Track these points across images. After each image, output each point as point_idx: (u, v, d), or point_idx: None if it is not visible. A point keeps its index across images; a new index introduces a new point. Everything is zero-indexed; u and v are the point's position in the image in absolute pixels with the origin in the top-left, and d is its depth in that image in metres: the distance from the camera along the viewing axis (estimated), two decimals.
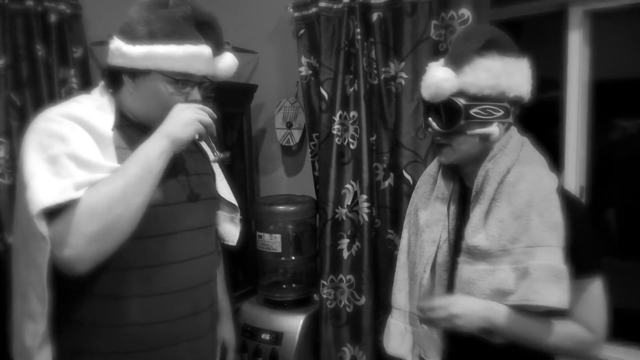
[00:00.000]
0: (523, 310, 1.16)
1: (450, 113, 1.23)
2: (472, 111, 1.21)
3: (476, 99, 1.21)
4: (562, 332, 1.17)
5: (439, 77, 1.21)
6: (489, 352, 1.21)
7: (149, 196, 1.14)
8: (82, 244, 1.05)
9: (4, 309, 1.23)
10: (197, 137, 1.22)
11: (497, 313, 1.18)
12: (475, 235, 1.22)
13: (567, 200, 1.19)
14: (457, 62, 1.21)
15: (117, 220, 1.08)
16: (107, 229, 1.07)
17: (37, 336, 1.11)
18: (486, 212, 1.22)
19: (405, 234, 1.48)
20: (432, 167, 1.43)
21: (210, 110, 1.25)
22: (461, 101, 1.21)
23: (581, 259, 1.16)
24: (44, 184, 1.05)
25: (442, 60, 1.26)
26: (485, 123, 1.22)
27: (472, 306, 1.20)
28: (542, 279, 1.12)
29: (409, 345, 1.45)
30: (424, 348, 1.38)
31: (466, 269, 1.24)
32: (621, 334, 2.11)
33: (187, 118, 1.19)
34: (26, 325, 1.13)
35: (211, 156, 1.52)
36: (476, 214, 1.24)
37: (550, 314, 1.16)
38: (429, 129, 1.29)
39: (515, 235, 1.17)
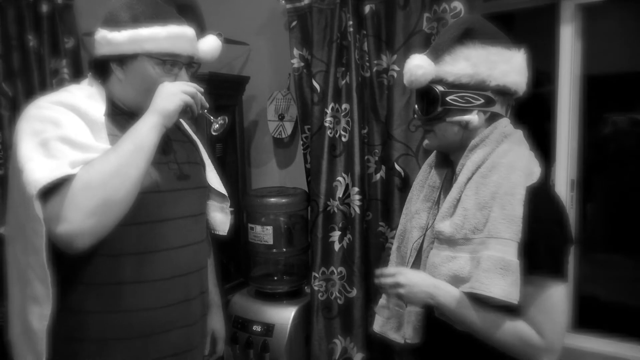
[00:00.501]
0: (481, 302, 1.15)
1: (430, 99, 1.26)
2: (449, 98, 1.23)
3: (454, 86, 1.23)
4: (509, 328, 1.15)
5: (412, 64, 1.25)
6: (464, 338, 1.21)
7: (144, 171, 1.15)
8: (79, 219, 1.06)
9: None
10: (188, 109, 1.24)
11: (442, 292, 1.20)
12: (443, 221, 1.25)
13: (540, 197, 1.17)
14: (436, 50, 1.25)
15: (112, 195, 1.10)
16: (103, 204, 1.09)
17: (44, 318, 1.13)
18: (457, 200, 1.25)
19: (402, 220, 1.52)
20: (432, 157, 1.46)
21: (194, 84, 1.27)
22: (439, 88, 1.23)
23: (536, 256, 1.14)
24: (39, 165, 1.07)
25: (427, 50, 1.29)
26: (464, 111, 1.24)
27: (420, 280, 1.24)
28: (488, 270, 1.12)
29: (394, 325, 1.50)
30: (404, 329, 1.41)
31: (433, 254, 1.28)
32: (609, 327, 2.13)
33: (171, 90, 1.21)
34: (31, 309, 1.14)
35: (198, 142, 1.54)
36: (447, 201, 1.27)
37: (507, 310, 1.14)
38: (415, 115, 1.33)
39: (477, 225, 1.18)
